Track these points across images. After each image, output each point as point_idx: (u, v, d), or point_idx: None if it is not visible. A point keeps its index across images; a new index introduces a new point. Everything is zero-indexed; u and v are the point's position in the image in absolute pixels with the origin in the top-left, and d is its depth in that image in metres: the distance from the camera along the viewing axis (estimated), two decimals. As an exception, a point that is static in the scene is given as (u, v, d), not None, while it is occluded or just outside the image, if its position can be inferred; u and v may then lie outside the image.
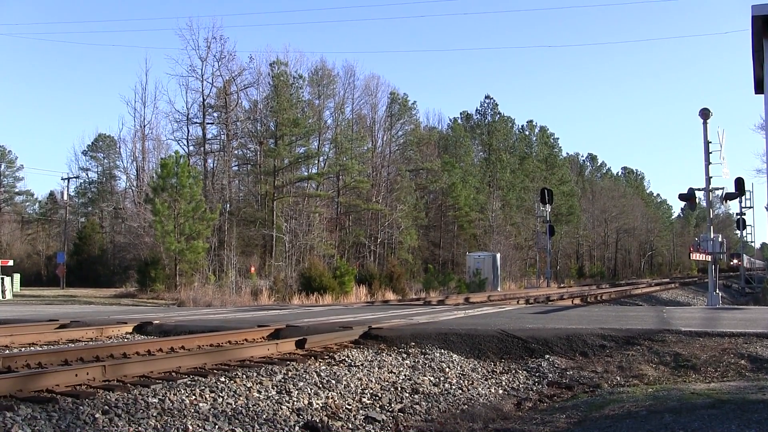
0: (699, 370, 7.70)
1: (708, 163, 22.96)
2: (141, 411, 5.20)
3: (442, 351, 8.77)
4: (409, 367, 7.92)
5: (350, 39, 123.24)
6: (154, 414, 5.19)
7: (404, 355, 8.50)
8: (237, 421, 5.36)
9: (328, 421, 5.70)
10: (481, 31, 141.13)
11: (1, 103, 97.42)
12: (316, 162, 50.19)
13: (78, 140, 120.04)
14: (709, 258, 25.03)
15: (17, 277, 33.79)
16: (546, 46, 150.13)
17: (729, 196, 25.75)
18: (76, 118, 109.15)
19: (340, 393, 6.54)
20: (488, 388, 7.48)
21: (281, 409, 5.82)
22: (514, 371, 8.18)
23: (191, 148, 44.97)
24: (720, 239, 24.89)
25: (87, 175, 65.31)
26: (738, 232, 47.74)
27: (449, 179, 56.13)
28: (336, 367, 7.49)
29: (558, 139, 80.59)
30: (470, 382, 7.60)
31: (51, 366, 6.88)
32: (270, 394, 6.14)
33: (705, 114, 22.92)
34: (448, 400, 6.88)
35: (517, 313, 14.09)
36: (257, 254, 41.42)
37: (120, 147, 56.09)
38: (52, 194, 69.45)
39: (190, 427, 5.05)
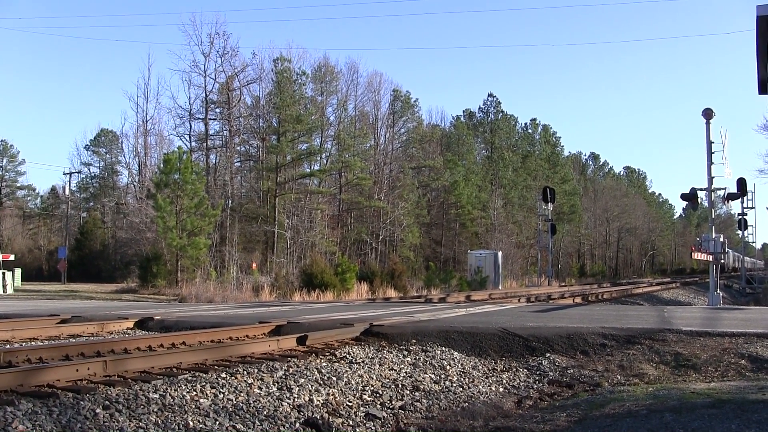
0: (699, 370, 7.70)
1: (710, 163, 22.96)
2: (142, 406, 5.20)
3: (443, 348, 8.77)
4: (410, 364, 7.92)
5: (354, 36, 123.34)
6: (155, 409, 5.19)
7: (405, 353, 8.49)
8: (238, 417, 5.36)
9: (328, 418, 5.70)
10: (485, 29, 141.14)
11: (4, 98, 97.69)
12: (319, 159, 50.21)
13: (80, 135, 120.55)
14: (709, 258, 25.02)
15: (18, 271, 33.83)
16: (549, 44, 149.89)
17: (731, 197, 25.73)
18: (78, 113, 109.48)
19: (341, 390, 6.54)
20: (489, 386, 7.48)
21: (282, 405, 5.82)
22: (514, 369, 8.18)
23: (193, 143, 45.04)
24: (722, 239, 24.87)
25: (89, 170, 65.67)
26: (739, 232, 47.72)
27: (451, 177, 56.14)
28: (337, 363, 7.49)
29: (560, 137, 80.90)
30: (471, 380, 7.60)
31: (52, 361, 6.89)
32: (271, 391, 6.14)
33: (708, 114, 22.90)
34: (448, 397, 6.88)
35: (519, 312, 14.08)
36: (259, 250, 41.46)
37: (122, 142, 56.29)
38: (53, 189, 69.75)
39: (191, 423, 5.06)
